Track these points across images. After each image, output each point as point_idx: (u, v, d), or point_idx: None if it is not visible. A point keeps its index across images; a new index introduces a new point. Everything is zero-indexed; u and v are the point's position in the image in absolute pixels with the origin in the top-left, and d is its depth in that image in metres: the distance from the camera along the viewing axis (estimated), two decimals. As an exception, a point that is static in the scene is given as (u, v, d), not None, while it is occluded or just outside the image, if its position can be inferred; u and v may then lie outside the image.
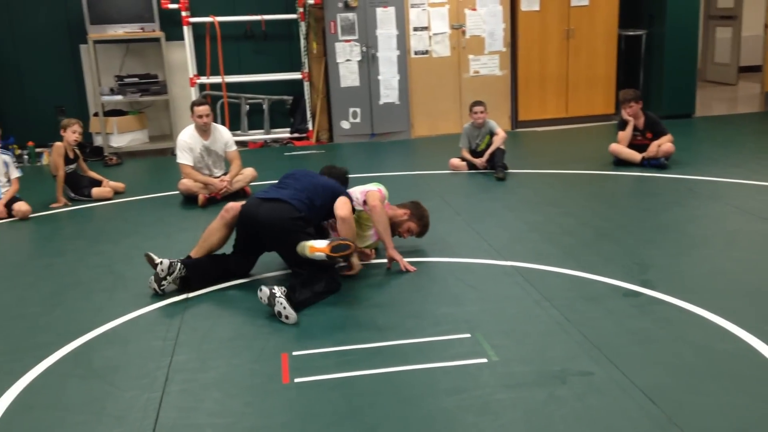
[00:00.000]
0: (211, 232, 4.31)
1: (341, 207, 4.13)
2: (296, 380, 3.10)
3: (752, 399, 2.77)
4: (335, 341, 3.44)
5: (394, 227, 4.48)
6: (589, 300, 3.76)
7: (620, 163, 6.70)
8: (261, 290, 3.75)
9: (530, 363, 3.13)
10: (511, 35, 8.79)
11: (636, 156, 6.62)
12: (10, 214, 5.89)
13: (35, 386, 3.16)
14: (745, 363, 3.04)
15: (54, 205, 6.21)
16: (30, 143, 8.20)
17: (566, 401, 2.81)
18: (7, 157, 6.07)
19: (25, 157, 8.19)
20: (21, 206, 5.87)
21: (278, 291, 3.68)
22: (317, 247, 3.76)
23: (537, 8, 8.74)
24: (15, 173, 6.05)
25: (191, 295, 4.11)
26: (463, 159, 6.90)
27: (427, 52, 8.66)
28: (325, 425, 2.74)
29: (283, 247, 4.09)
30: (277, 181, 4.40)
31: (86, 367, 3.32)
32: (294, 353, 3.34)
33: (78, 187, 6.40)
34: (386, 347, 3.35)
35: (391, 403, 2.87)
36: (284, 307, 3.64)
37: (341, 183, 4.52)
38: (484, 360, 3.18)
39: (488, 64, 8.81)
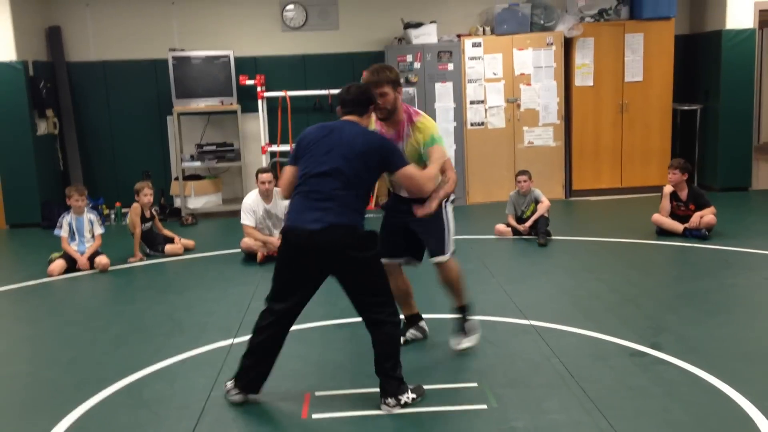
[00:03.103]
0: None
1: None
2: (313, 416, 3.48)
3: (728, 452, 2.96)
4: (356, 384, 3.80)
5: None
6: (597, 358, 3.99)
7: (663, 233, 6.86)
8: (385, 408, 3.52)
9: (526, 411, 3.40)
10: (565, 108, 9.14)
11: (678, 226, 6.77)
12: (92, 267, 6.58)
13: (91, 413, 3.64)
14: (730, 421, 3.22)
15: (131, 260, 6.87)
16: (117, 204, 9.03)
17: (550, 444, 3.07)
18: (92, 216, 6.80)
19: (112, 216, 9.03)
20: (101, 260, 6.55)
21: (393, 402, 3.50)
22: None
23: (591, 83, 9.09)
24: (98, 230, 6.76)
25: (236, 340, 4.56)
26: (509, 225, 7.22)
27: (482, 123, 9.11)
28: (329, 454, 3.10)
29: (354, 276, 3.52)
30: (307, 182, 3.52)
31: (136, 398, 3.80)
32: (316, 393, 3.72)
33: (153, 243, 7.07)
34: (398, 392, 3.69)
35: (391, 439, 3.20)
36: (408, 399, 3.54)
37: (365, 102, 3.69)
38: (485, 406, 3.47)
39: (542, 136, 9.17)
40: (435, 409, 3.47)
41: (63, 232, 6.62)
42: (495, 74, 9.02)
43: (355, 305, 3.58)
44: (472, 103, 9.06)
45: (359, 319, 3.67)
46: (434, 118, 8.98)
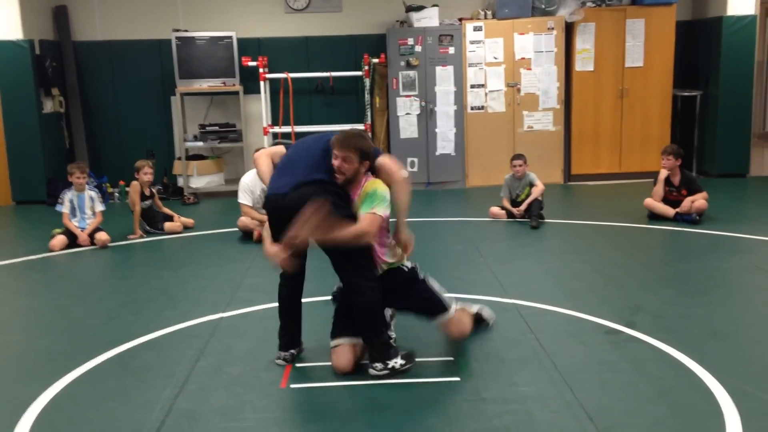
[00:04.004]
0: None
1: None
2: (291, 386, 3.61)
3: (686, 424, 3.06)
4: (335, 357, 3.92)
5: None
6: (572, 335, 4.09)
7: (655, 217, 6.93)
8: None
9: (496, 382, 3.51)
10: (565, 93, 9.17)
11: (669, 211, 6.84)
12: (92, 243, 6.73)
13: (81, 379, 3.79)
14: (691, 394, 3.32)
15: (131, 237, 7.02)
16: (121, 182, 9.18)
17: (515, 413, 3.19)
18: (93, 193, 6.95)
19: (116, 194, 9.18)
20: (101, 236, 6.71)
21: (380, 366, 3.62)
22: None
23: (591, 68, 9.12)
24: (99, 207, 6.91)
25: (225, 314, 4.70)
26: (503, 208, 7.30)
27: (482, 107, 9.17)
28: (300, 421, 3.23)
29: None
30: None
31: (125, 366, 3.94)
32: (297, 365, 3.85)
33: (153, 221, 7.21)
34: (376, 364, 3.81)
35: (363, 408, 3.32)
36: (397, 365, 3.64)
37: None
38: (457, 379, 3.58)
39: (542, 120, 9.21)
40: (409, 381, 3.58)
41: (64, 209, 6.77)
42: (496, 58, 9.07)
43: (333, 266, 3.72)
44: (472, 87, 9.12)
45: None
46: (434, 101, 9.09)
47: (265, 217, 6.68)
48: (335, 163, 3.62)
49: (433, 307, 3.85)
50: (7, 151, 8.84)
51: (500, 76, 9.11)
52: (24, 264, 6.23)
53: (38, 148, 8.81)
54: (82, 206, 6.83)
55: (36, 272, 6.04)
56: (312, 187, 3.57)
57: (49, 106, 9.08)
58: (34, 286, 5.72)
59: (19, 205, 8.97)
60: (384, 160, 3.75)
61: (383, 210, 3.62)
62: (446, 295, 3.88)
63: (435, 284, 3.89)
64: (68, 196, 6.82)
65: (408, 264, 3.89)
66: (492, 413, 3.21)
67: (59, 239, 6.64)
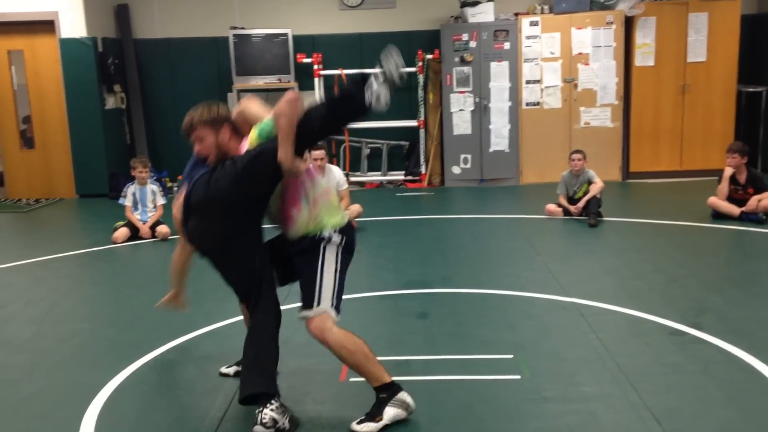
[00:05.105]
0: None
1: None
2: (351, 379, 3.62)
3: (758, 429, 2.97)
4: (395, 352, 3.92)
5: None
6: (635, 335, 4.01)
7: (719, 216, 6.74)
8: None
9: (558, 382, 3.46)
10: (624, 89, 9.00)
11: (734, 210, 6.64)
12: (153, 235, 6.88)
13: (146, 367, 3.89)
14: (763, 398, 3.22)
15: (190, 230, 7.15)
16: (180, 177, 9.35)
17: (578, 413, 3.14)
18: (155, 187, 7.11)
19: (175, 189, 9.37)
20: (162, 229, 6.85)
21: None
22: None
23: (651, 63, 8.92)
24: (160, 200, 7.06)
25: (283, 307, 4.73)
26: (560, 205, 7.20)
27: (538, 103, 9.06)
28: (360, 415, 3.21)
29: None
30: None
31: (188, 356, 4.03)
32: (356, 359, 3.86)
33: (211, 215, 7.33)
34: (435, 360, 3.81)
35: (421, 403, 3.29)
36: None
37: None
38: (518, 377, 3.55)
39: (600, 116, 9.05)
40: (468, 378, 3.56)
41: (127, 202, 6.95)
42: (552, 53, 8.95)
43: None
44: (527, 82, 9.02)
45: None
46: (488, 97, 9.00)
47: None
48: (196, 150, 3.22)
49: (305, 293, 3.22)
50: (72, 146, 9.10)
51: (557, 72, 8.98)
52: (88, 255, 6.42)
53: (101, 143, 9.05)
54: (144, 200, 6.99)
55: (100, 263, 6.21)
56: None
57: (111, 102, 9.32)
58: (98, 276, 5.88)
59: (82, 198, 9.24)
60: (243, 108, 3.22)
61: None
62: (333, 291, 3.18)
63: (329, 269, 3.18)
64: (131, 189, 6.98)
65: (327, 233, 3.19)
66: (554, 413, 3.17)
67: (122, 231, 6.81)
